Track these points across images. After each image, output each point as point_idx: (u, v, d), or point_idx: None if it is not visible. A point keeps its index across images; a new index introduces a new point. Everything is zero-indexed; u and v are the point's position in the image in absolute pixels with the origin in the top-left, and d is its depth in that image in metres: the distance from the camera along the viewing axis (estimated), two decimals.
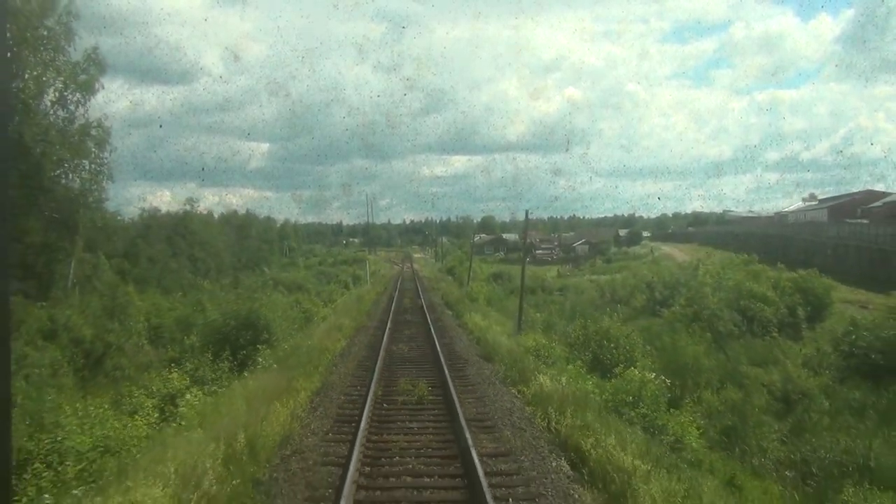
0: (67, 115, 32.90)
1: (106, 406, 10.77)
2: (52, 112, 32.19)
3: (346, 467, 6.97)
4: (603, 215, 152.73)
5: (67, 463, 8.23)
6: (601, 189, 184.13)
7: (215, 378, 14.74)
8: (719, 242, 77.32)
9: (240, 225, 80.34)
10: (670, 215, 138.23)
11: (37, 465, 8.18)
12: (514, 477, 7.18)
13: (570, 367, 14.29)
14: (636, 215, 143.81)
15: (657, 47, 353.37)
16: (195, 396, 12.20)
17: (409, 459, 7.73)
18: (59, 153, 31.51)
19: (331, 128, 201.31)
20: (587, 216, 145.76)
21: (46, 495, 6.87)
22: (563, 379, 11.22)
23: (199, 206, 61.96)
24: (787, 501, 10.21)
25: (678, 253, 75.43)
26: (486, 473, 6.80)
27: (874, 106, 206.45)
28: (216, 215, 74.05)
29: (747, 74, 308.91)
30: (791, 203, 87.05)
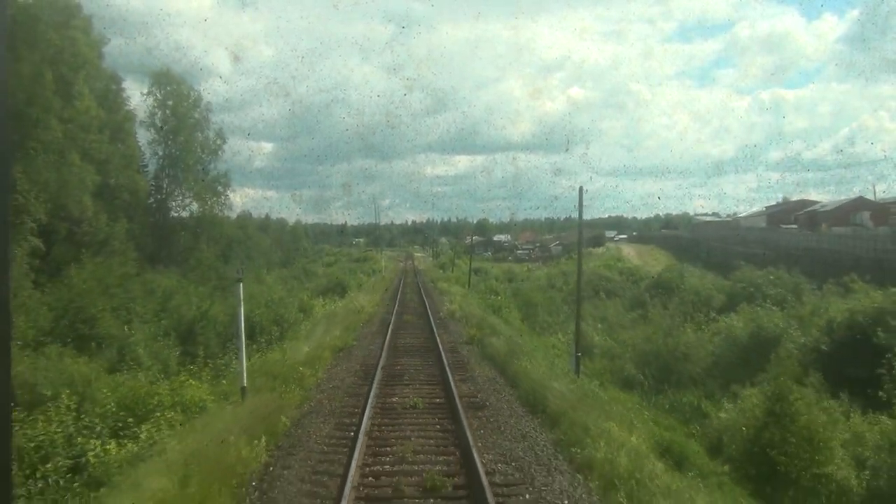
0: (203, 168, 59.09)
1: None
2: (194, 168, 58.22)
3: (394, 306, 32.74)
4: (600, 216, 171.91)
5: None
6: (602, 188, 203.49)
7: (333, 302, 40.53)
8: (666, 244, 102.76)
9: (257, 226, 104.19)
10: (663, 216, 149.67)
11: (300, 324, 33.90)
12: (432, 304, 33.10)
13: (472, 298, 40.15)
14: (627, 217, 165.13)
15: (661, 47, 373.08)
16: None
17: (411, 303, 33.69)
18: (201, 193, 57.67)
19: (332, 128, 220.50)
20: (586, 216, 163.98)
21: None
22: (462, 293, 37.05)
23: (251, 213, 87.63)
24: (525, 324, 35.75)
25: (632, 253, 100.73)
26: (428, 308, 32.54)
27: (876, 105, 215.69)
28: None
29: (750, 74, 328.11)
30: (785, 203, 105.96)
